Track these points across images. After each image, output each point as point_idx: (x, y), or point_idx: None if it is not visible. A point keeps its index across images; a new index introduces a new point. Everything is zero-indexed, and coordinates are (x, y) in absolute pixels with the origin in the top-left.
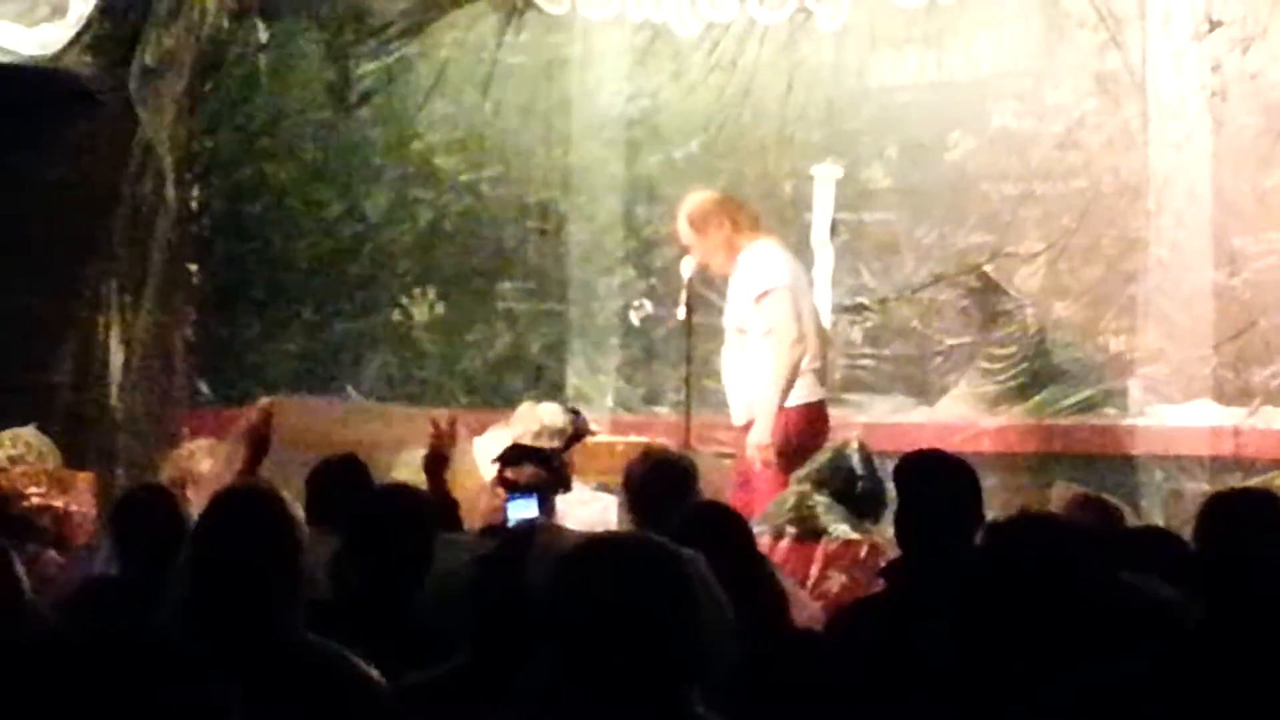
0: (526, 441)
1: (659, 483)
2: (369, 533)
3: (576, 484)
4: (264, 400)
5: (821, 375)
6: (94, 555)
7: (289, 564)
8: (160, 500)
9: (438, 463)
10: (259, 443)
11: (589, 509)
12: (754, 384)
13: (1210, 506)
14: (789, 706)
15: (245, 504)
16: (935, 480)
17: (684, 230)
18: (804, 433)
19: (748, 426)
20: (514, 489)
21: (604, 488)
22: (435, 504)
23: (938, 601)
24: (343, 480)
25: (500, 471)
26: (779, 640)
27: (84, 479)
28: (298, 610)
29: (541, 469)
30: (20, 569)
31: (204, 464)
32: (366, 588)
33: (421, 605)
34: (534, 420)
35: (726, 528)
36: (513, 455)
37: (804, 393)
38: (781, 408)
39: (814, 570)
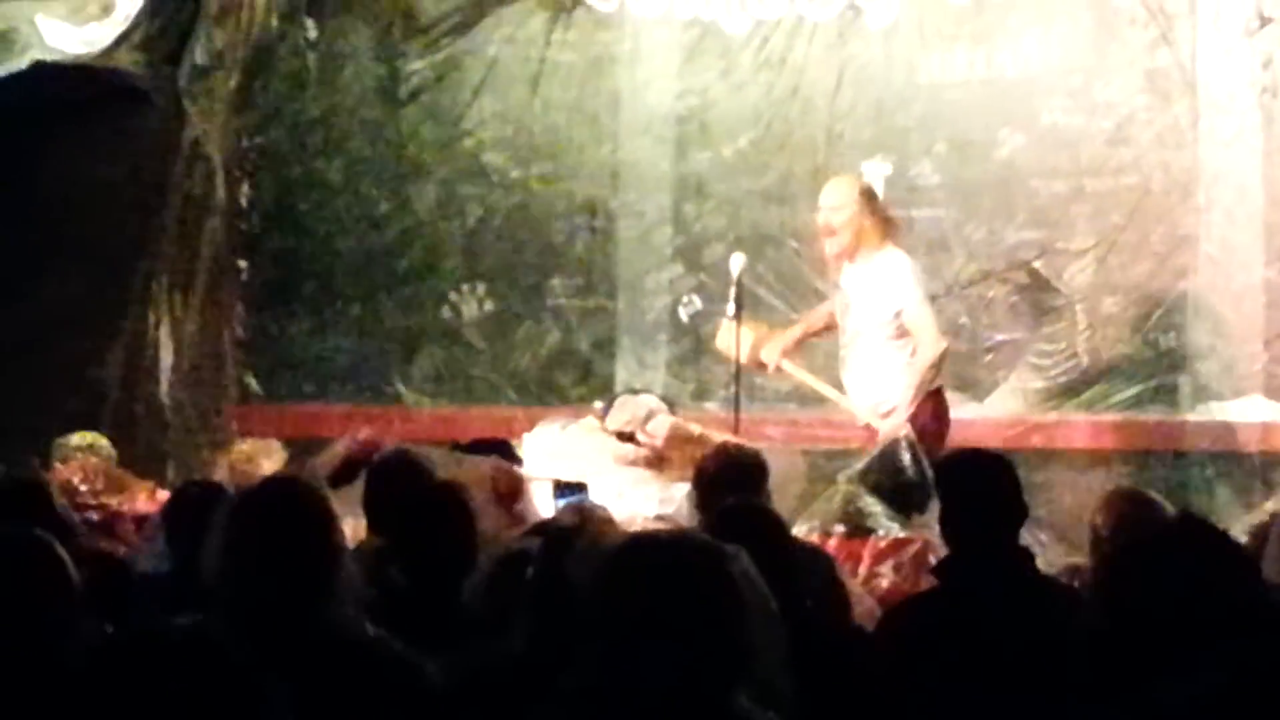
0: (632, 429)
1: (729, 480)
2: (413, 529)
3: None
4: (367, 432)
5: None
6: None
7: (324, 553)
8: (213, 497)
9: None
10: (350, 471)
11: None
12: (884, 384)
13: None
14: (848, 702)
15: (278, 494)
16: (977, 479)
17: (834, 212)
18: (939, 418)
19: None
20: None
21: None
22: None
23: (992, 596)
24: (399, 477)
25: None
26: (840, 636)
27: (143, 487)
28: (338, 599)
29: None
30: (70, 565)
31: (264, 465)
32: (410, 583)
33: (465, 602)
34: (638, 407)
35: (759, 525)
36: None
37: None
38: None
39: (863, 568)
